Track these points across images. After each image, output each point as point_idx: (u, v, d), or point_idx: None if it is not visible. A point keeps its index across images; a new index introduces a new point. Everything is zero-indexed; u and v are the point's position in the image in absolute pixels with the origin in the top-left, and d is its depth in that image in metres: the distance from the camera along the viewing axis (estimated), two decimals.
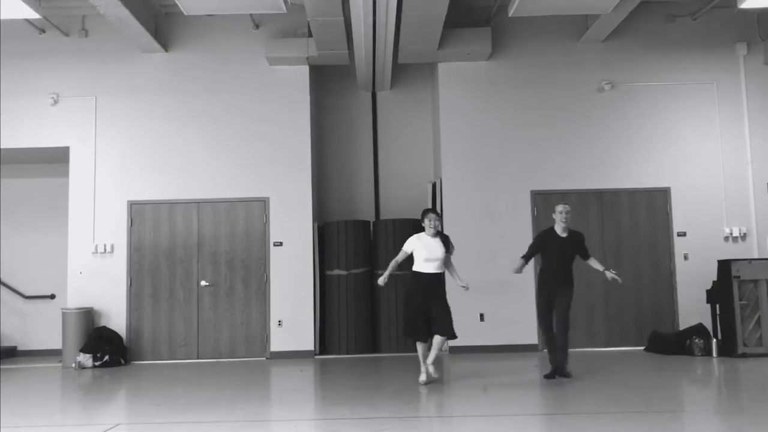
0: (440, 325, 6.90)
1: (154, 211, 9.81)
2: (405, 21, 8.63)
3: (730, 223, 9.77)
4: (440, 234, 7.12)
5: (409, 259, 7.14)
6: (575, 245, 7.31)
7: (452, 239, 7.19)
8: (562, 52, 10.02)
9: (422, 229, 7.15)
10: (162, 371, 8.71)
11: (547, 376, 7.15)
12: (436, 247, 6.99)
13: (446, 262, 7.10)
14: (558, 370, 7.15)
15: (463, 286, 7.18)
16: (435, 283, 7.00)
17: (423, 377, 7.02)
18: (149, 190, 9.82)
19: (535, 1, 8.22)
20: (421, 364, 7.06)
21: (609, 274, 7.24)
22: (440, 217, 7.09)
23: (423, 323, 6.93)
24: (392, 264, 7.12)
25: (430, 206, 10.16)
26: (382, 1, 7.83)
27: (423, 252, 6.97)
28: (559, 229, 7.27)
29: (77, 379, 8.29)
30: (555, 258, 7.24)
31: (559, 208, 7.25)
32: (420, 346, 7.09)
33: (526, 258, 7.34)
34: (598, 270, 7.37)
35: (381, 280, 7.11)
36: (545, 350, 7.43)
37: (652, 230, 9.78)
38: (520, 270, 7.23)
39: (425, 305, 6.93)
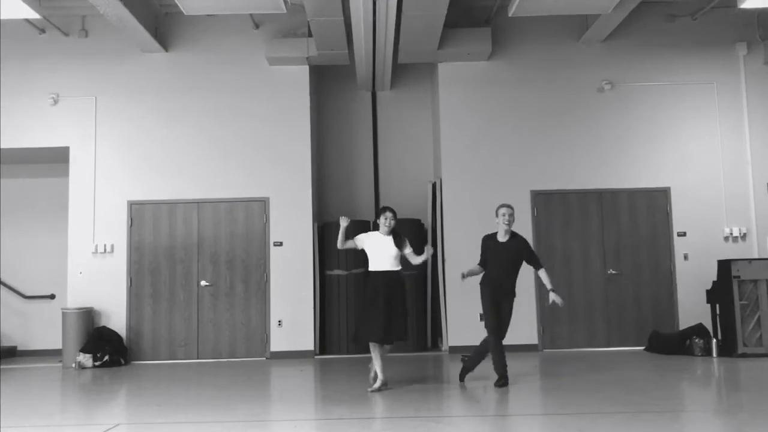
0: (396, 330, 6.77)
1: (154, 211, 9.81)
2: (405, 21, 8.64)
3: (730, 223, 9.77)
4: (393, 232, 6.96)
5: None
6: (517, 252, 6.89)
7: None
8: (562, 52, 10.03)
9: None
10: (162, 371, 8.71)
11: (499, 384, 6.83)
12: (387, 246, 6.88)
13: (409, 257, 7.01)
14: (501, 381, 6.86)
15: (426, 255, 7.10)
16: (392, 281, 6.85)
17: (378, 384, 6.80)
18: (149, 190, 9.82)
19: (535, 1, 8.22)
20: (378, 370, 6.84)
21: (553, 296, 6.86)
22: (396, 216, 6.99)
23: (384, 325, 6.72)
24: (341, 236, 6.93)
25: (430, 206, 10.18)
26: (382, 1, 7.84)
27: (372, 251, 6.92)
28: (501, 234, 6.91)
29: (77, 379, 8.29)
30: (495, 266, 6.88)
31: (502, 210, 6.87)
32: (377, 349, 6.84)
33: (483, 264, 6.98)
34: (545, 284, 6.97)
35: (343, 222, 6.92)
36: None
37: (652, 230, 9.78)
38: (466, 276, 6.86)
39: (383, 306, 6.74)
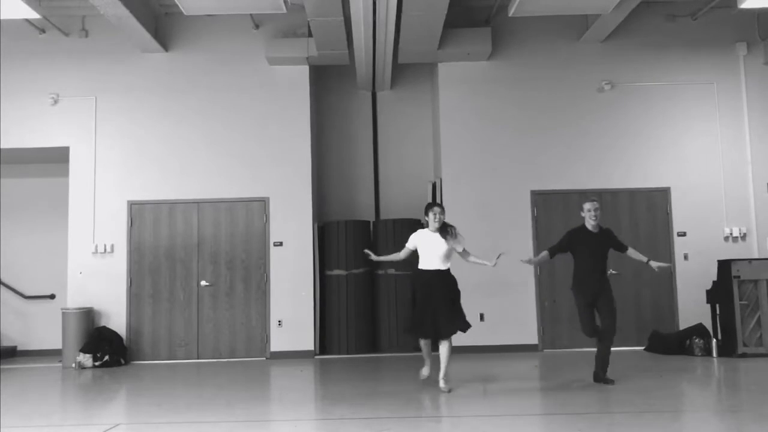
0: (444, 329, 6.67)
1: (154, 211, 9.81)
2: (405, 21, 8.64)
3: (730, 223, 9.77)
4: (442, 227, 6.77)
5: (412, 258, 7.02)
6: (607, 241, 7.00)
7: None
8: (562, 52, 10.02)
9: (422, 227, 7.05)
10: (162, 371, 8.71)
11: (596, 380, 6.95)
12: (437, 244, 6.71)
13: (462, 255, 6.84)
14: (597, 377, 6.93)
15: (495, 262, 6.88)
16: (438, 281, 6.69)
17: (425, 371, 6.94)
18: (149, 190, 9.82)
19: (535, 1, 8.22)
20: (425, 359, 6.93)
21: (654, 264, 6.90)
22: (444, 211, 6.83)
23: (430, 323, 6.64)
24: (391, 256, 7.08)
25: None
26: (382, 1, 7.84)
27: (422, 249, 6.76)
28: (590, 226, 6.97)
29: (77, 379, 8.29)
30: (588, 257, 6.94)
31: (587, 206, 6.97)
32: (424, 344, 6.89)
33: (551, 252, 7.07)
34: (641, 260, 7.03)
35: (374, 257, 7.20)
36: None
37: (652, 230, 9.78)
38: (533, 261, 7.11)
39: (430, 305, 6.66)
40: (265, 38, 9.95)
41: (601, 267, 6.96)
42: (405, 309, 9.38)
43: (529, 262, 7.19)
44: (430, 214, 6.77)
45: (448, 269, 6.78)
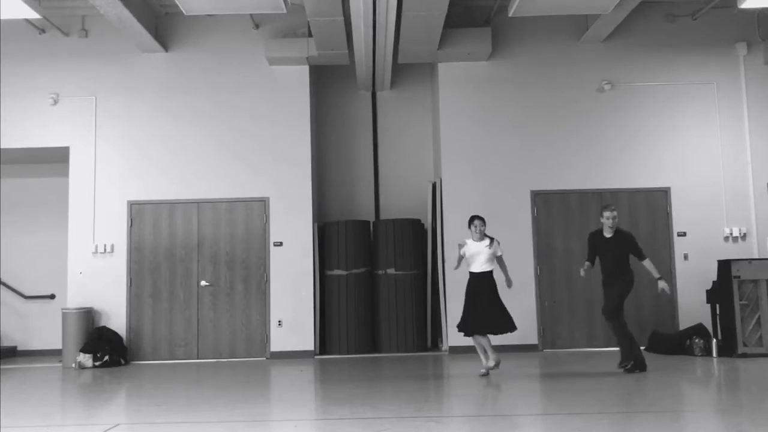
0: (489, 324, 7.45)
1: (154, 211, 9.81)
2: (405, 21, 8.64)
3: (730, 223, 9.77)
4: (487, 237, 7.61)
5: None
6: (624, 245, 7.65)
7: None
8: (562, 52, 10.03)
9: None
10: (162, 371, 8.71)
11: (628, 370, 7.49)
12: (478, 250, 7.53)
13: (498, 261, 7.62)
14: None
15: (507, 281, 7.65)
16: (481, 282, 7.50)
17: (483, 370, 7.49)
18: (149, 190, 9.82)
19: (535, 1, 8.22)
20: (481, 357, 7.57)
21: (661, 284, 7.57)
22: (484, 222, 7.62)
23: (475, 320, 7.45)
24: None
25: (430, 206, 10.18)
26: (382, 1, 7.84)
27: (469, 255, 7.58)
28: (606, 230, 7.68)
29: (77, 379, 8.29)
30: (602, 259, 7.70)
31: (606, 213, 7.63)
32: (475, 340, 7.56)
33: (590, 260, 7.78)
34: (653, 275, 7.67)
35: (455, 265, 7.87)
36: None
37: (652, 230, 9.78)
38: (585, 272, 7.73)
39: (475, 303, 7.48)
40: (265, 38, 9.95)
41: (614, 268, 7.62)
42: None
43: (586, 270, 7.77)
44: (472, 227, 7.62)
45: (489, 272, 7.56)
